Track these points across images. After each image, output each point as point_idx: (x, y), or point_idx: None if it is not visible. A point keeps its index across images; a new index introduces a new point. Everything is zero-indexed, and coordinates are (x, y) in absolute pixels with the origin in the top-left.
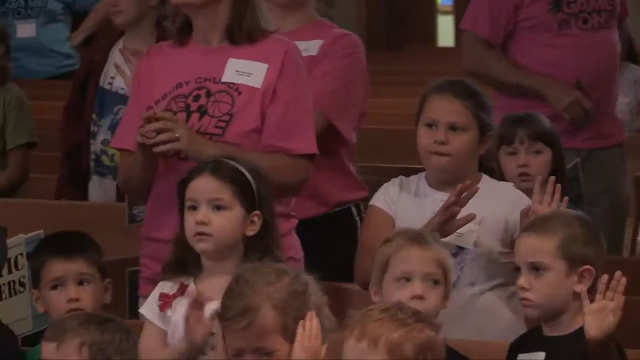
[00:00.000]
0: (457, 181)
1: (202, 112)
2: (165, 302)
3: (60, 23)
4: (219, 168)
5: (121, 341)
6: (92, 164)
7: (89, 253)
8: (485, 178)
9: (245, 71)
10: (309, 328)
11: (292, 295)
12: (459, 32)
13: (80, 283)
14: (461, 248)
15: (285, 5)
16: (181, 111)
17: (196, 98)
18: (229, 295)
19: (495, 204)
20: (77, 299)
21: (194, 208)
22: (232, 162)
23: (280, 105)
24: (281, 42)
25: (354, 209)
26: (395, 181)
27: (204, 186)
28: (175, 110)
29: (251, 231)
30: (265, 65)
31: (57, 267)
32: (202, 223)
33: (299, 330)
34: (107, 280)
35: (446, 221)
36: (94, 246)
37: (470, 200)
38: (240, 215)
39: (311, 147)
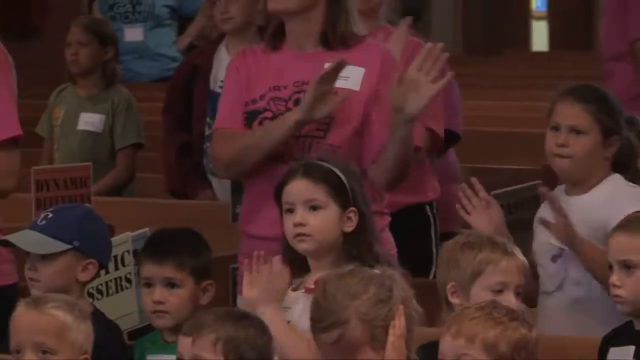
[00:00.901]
0: (581, 183)
1: None
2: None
3: (167, 27)
4: (310, 169)
5: (255, 337)
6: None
7: (183, 257)
8: (612, 179)
9: (343, 75)
10: (398, 327)
11: (378, 305)
12: (552, 37)
13: (170, 286)
14: (562, 249)
15: (359, 12)
16: (282, 113)
17: (297, 102)
18: (317, 309)
19: (611, 205)
20: (161, 302)
21: (291, 211)
22: (323, 163)
23: (385, 106)
24: (376, 47)
25: (427, 206)
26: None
27: (298, 189)
28: (275, 112)
29: (349, 227)
30: (362, 69)
31: (148, 269)
32: (300, 224)
33: (390, 331)
34: (207, 282)
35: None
36: (196, 247)
37: (594, 199)
38: (336, 213)
39: (417, 142)
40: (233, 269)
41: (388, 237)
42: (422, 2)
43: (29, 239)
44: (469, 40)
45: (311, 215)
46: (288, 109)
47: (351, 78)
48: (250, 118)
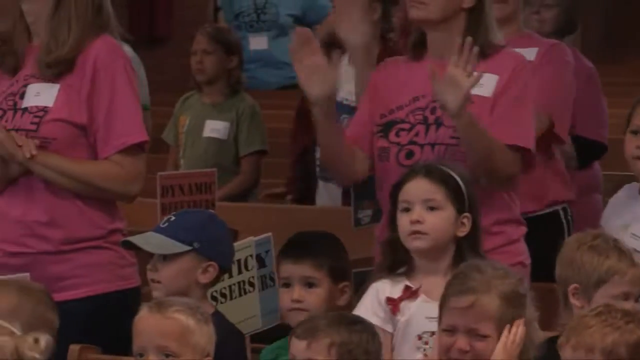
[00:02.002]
0: None
1: (439, 123)
2: (395, 305)
3: (291, 36)
4: (431, 171)
5: (368, 342)
6: (317, 169)
7: (320, 257)
8: None
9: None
10: (514, 333)
11: (516, 294)
12: None
13: (307, 285)
14: None
15: (497, 19)
16: (419, 123)
17: (433, 110)
18: (457, 277)
19: None
20: (299, 301)
21: (407, 210)
22: (443, 167)
23: (504, 102)
24: (512, 55)
25: (561, 212)
26: (625, 186)
27: (418, 188)
28: (413, 123)
29: (462, 232)
30: (496, 77)
31: (286, 268)
32: (417, 222)
33: (505, 332)
34: (344, 284)
35: None
36: (334, 248)
37: None
38: (452, 215)
39: (527, 142)
40: (355, 273)
41: (523, 247)
42: None
43: (150, 241)
44: (587, 47)
45: (428, 214)
46: (425, 117)
47: (485, 85)
48: (386, 129)
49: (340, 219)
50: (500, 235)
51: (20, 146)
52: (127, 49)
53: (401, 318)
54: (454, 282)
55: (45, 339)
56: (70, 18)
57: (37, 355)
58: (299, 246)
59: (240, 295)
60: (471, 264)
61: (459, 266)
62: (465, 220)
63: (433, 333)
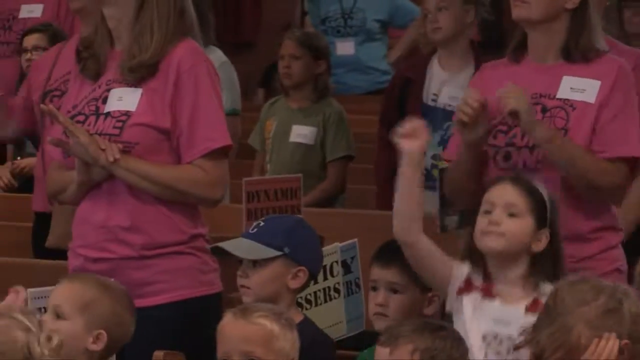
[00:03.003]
0: None
1: None
2: (468, 288)
3: (378, 41)
4: (519, 180)
5: (452, 348)
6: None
7: (408, 264)
8: None
9: (580, 88)
10: (603, 347)
11: (607, 314)
12: None
13: (392, 291)
14: None
15: None
16: (517, 126)
17: None
18: (546, 314)
19: None
20: (382, 305)
21: (488, 212)
22: (532, 179)
23: (610, 113)
24: (614, 61)
25: None
26: None
27: (502, 192)
28: (511, 125)
29: (537, 247)
30: (599, 82)
31: (375, 272)
32: (496, 223)
33: (592, 346)
34: (432, 294)
35: None
36: None
37: None
38: (530, 226)
39: (634, 150)
40: None
41: (620, 253)
42: None
43: (240, 246)
44: None
45: (508, 219)
46: None
47: (587, 91)
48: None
49: (426, 225)
50: (598, 242)
51: (103, 150)
52: (219, 54)
53: (466, 310)
54: (544, 317)
55: (57, 339)
56: (153, 23)
57: (46, 352)
58: (389, 251)
59: (325, 301)
60: (557, 294)
61: (547, 299)
62: (543, 237)
63: (496, 337)
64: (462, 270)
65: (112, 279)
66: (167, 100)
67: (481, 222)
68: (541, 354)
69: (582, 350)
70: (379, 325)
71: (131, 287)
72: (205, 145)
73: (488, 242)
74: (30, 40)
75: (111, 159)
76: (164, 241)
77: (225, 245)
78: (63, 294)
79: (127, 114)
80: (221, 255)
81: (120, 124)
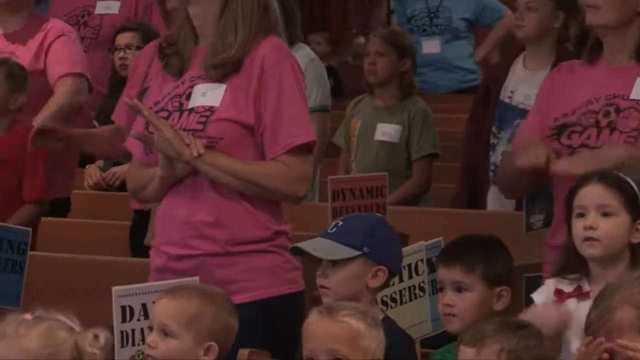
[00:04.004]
0: None
1: (612, 127)
2: (560, 298)
3: (464, 40)
4: (606, 177)
5: (536, 347)
6: (490, 174)
7: (472, 262)
8: None
9: None
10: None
11: None
12: None
13: (458, 290)
14: None
15: None
16: (592, 126)
17: (606, 114)
18: (594, 304)
19: None
20: (449, 305)
21: (581, 215)
22: (619, 173)
23: None
24: None
25: None
26: None
27: (593, 193)
28: (585, 126)
29: (636, 239)
30: None
31: (440, 272)
32: (591, 228)
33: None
34: (501, 288)
35: None
36: (490, 253)
37: None
38: (626, 222)
39: None
40: (526, 278)
41: None
42: None
43: (319, 246)
44: None
45: (602, 220)
46: (597, 122)
47: None
48: (559, 132)
49: (511, 224)
50: None
51: (187, 145)
52: (307, 51)
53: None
54: (592, 309)
55: (104, 335)
56: (237, 20)
57: (96, 351)
58: (452, 251)
59: (410, 299)
60: (607, 286)
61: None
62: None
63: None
64: (544, 293)
65: (197, 278)
66: (251, 96)
67: (577, 227)
68: (592, 334)
69: (625, 330)
70: (449, 325)
71: (217, 285)
72: (288, 141)
73: (588, 250)
74: (123, 39)
75: (195, 154)
76: (247, 237)
77: (304, 245)
78: (167, 311)
79: (211, 109)
80: (301, 254)
81: (204, 119)
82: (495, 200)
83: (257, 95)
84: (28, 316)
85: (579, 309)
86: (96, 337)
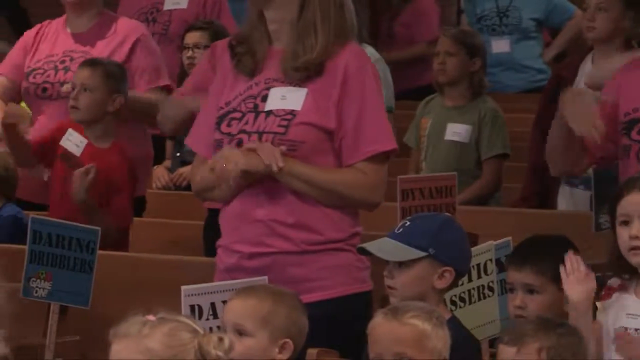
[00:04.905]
0: None
1: None
2: (607, 293)
3: (534, 40)
4: None
5: (574, 345)
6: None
7: (542, 264)
8: None
9: None
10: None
11: None
12: None
13: (529, 292)
14: None
15: None
16: None
17: None
18: None
19: None
20: (521, 307)
21: (625, 223)
22: None
23: None
24: None
25: None
26: None
27: (636, 201)
28: None
29: None
30: None
31: (510, 274)
32: (637, 237)
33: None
34: None
35: None
36: (561, 254)
37: None
38: None
39: None
40: (596, 277)
41: None
42: None
43: (385, 247)
44: None
45: None
46: None
47: None
48: (629, 127)
49: (580, 224)
50: None
51: (267, 165)
52: (372, 51)
53: (608, 308)
54: None
55: (229, 339)
56: (316, 22)
57: (220, 354)
58: (522, 252)
59: (479, 299)
60: None
61: None
62: None
63: (626, 329)
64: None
65: (266, 278)
66: (333, 102)
67: (622, 235)
68: None
69: None
70: None
71: (289, 283)
72: (371, 148)
73: (634, 259)
74: (192, 38)
75: (275, 169)
76: (324, 239)
77: (370, 246)
78: (241, 311)
79: (293, 112)
80: (367, 255)
81: (285, 123)
82: (566, 200)
83: (339, 101)
84: (151, 317)
85: (620, 301)
86: (220, 340)
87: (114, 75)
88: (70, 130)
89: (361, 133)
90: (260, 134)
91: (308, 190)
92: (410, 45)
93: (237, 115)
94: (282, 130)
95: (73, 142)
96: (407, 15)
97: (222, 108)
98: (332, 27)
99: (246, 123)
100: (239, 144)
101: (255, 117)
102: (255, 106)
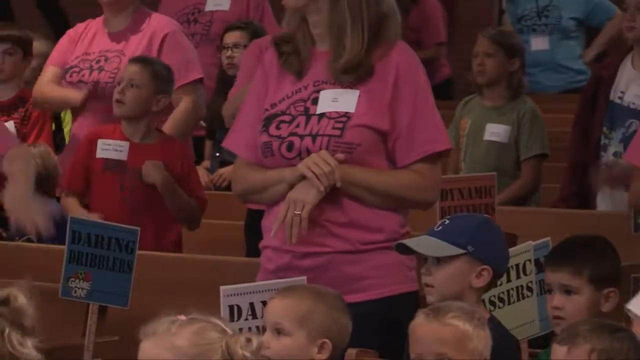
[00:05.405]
0: None
1: None
2: None
3: (574, 40)
4: None
5: (629, 351)
6: None
7: (579, 264)
8: None
9: None
10: None
11: None
12: None
13: (567, 292)
14: None
15: None
16: None
17: None
18: None
19: None
20: (558, 308)
21: None
22: None
23: None
24: None
25: None
26: None
27: None
28: None
29: None
30: None
31: (547, 275)
32: None
33: None
34: (609, 290)
35: None
36: (597, 254)
37: None
38: None
39: None
40: (634, 278)
41: None
42: None
43: (424, 243)
44: None
45: None
46: None
47: None
48: None
49: (619, 224)
50: None
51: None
52: None
53: None
54: None
55: (257, 339)
56: (346, 24)
57: (247, 354)
58: (559, 254)
59: (518, 299)
60: None
61: None
62: None
63: None
64: None
65: (304, 278)
66: (386, 102)
67: None
68: None
69: None
70: (557, 327)
71: (343, 282)
72: (426, 148)
73: None
74: (231, 38)
75: (339, 185)
76: (379, 237)
77: (410, 242)
78: (279, 310)
79: (347, 115)
80: (405, 252)
81: (340, 125)
82: (605, 200)
83: (392, 102)
84: (182, 317)
85: None
86: (249, 340)
87: (161, 75)
88: (100, 140)
89: (415, 134)
90: (314, 136)
91: (366, 196)
92: (419, 48)
93: (287, 118)
94: (337, 132)
95: (111, 148)
96: (415, 19)
97: (267, 110)
98: (366, 27)
99: (297, 126)
100: (290, 146)
101: (307, 120)
102: (306, 109)
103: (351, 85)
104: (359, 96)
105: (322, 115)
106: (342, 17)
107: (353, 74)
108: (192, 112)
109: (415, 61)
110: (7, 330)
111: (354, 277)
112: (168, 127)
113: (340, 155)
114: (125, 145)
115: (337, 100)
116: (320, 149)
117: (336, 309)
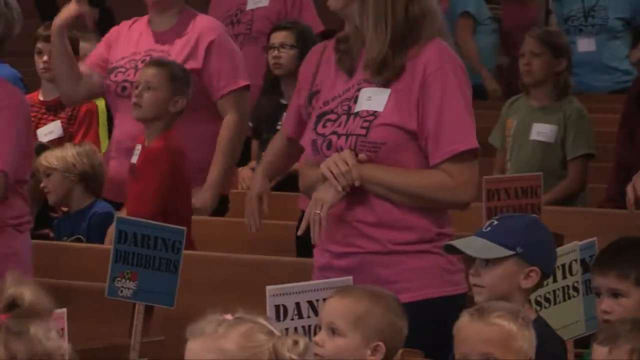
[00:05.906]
0: None
1: None
2: None
3: (620, 40)
4: None
5: None
6: None
7: (626, 267)
8: None
9: None
10: None
11: None
12: None
13: (615, 296)
14: None
15: None
16: None
17: None
18: None
19: None
20: (607, 312)
21: None
22: None
23: None
24: None
25: None
26: None
27: None
28: None
29: None
30: None
31: (595, 278)
32: None
33: None
34: None
35: None
36: None
37: None
38: None
39: None
40: None
41: None
42: None
43: (473, 245)
44: None
45: None
46: None
47: None
48: None
49: None
50: None
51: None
52: None
53: None
54: None
55: (304, 342)
56: (368, 24)
57: (294, 357)
58: (605, 257)
59: (564, 299)
60: None
61: None
62: None
63: None
64: None
65: (351, 278)
66: (414, 102)
67: None
68: None
69: None
70: None
71: (375, 284)
72: (451, 148)
73: None
74: (278, 37)
75: (357, 184)
76: (410, 238)
77: (458, 243)
78: (336, 310)
79: (375, 114)
80: (455, 253)
81: (367, 124)
82: None
83: (419, 100)
84: (229, 316)
85: None
86: (296, 342)
87: (178, 77)
88: (137, 146)
89: (441, 133)
90: (347, 136)
91: (390, 195)
92: None
93: (333, 117)
94: (363, 132)
95: (136, 152)
96: None
97: (320, 107)
98: (390, 28)
99: (339, 125)
100: (329, 145)
101: (347, 119)
102: (349, 108)
103: (385, 84)
104: (389, 95)
105: (356, 114)
106: (366, 18)
107: (384, 73)
108: (239, 126)
109: (445, 59)
110: (31, 330)
111: (384, 280)
112: (221, 143)
113: (363, 156)
114: (139, 148)
115: (371, 99)
116: (350, 148)
117: (392, 312)
